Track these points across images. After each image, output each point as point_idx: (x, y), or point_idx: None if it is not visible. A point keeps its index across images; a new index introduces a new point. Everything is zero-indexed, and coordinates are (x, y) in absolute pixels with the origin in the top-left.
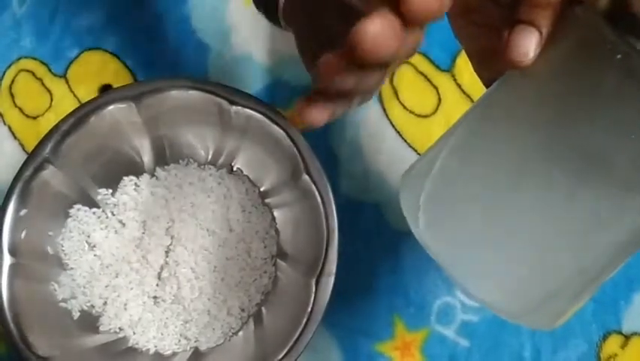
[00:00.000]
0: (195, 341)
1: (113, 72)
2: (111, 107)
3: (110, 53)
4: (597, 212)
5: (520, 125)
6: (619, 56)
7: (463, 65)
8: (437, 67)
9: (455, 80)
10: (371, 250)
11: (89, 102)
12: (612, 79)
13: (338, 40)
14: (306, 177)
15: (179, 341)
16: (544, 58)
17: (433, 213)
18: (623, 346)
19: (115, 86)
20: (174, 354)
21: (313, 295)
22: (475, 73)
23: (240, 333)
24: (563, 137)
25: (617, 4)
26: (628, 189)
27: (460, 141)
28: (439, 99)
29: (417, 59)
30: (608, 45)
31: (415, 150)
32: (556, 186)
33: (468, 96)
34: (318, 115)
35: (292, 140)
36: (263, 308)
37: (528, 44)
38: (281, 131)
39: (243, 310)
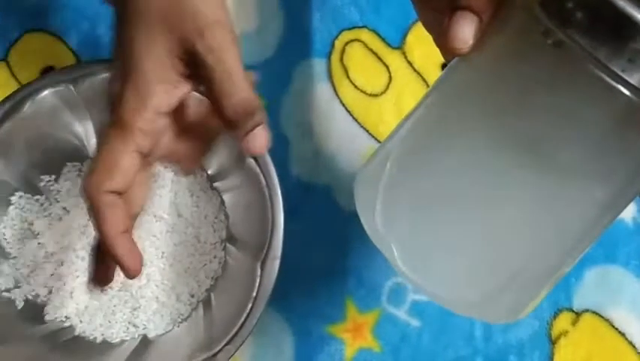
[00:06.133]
0: (144, 329)
1: (56, 54)
2: (46, 91)
3: (53, 35)
4: (546, 202)
5: (468, 115)
6: (550, 42)
7: (414, 41)
8: (387, 44)
9: (406, 57)
10: (322, 232)
11: (24, 87)
12: (545, 65)
13: None
14: (251, 160)
15: (127, 328)
16: (488, 44)
17: (388, 214)
18: (574, 323)
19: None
20: (122, 342)
21: (258, 280)
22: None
23: (189, 319)
24: (509, 126)
25: None
26: (574, 177)
27: (410, 137)
28: (390, 78)
29: (367, 36)
30: (541, 30)
31: (366, 130)
32: (506, 177)
33: (419, 74)
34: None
35: None
36: (212, 294)
37: (466, 31)
38: None
39: (192, 296)
